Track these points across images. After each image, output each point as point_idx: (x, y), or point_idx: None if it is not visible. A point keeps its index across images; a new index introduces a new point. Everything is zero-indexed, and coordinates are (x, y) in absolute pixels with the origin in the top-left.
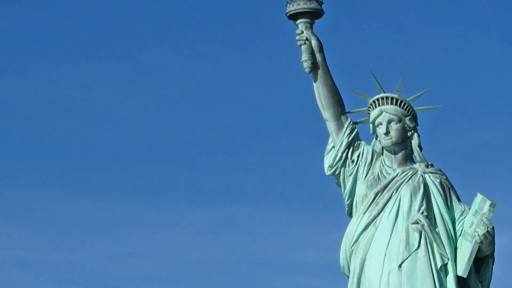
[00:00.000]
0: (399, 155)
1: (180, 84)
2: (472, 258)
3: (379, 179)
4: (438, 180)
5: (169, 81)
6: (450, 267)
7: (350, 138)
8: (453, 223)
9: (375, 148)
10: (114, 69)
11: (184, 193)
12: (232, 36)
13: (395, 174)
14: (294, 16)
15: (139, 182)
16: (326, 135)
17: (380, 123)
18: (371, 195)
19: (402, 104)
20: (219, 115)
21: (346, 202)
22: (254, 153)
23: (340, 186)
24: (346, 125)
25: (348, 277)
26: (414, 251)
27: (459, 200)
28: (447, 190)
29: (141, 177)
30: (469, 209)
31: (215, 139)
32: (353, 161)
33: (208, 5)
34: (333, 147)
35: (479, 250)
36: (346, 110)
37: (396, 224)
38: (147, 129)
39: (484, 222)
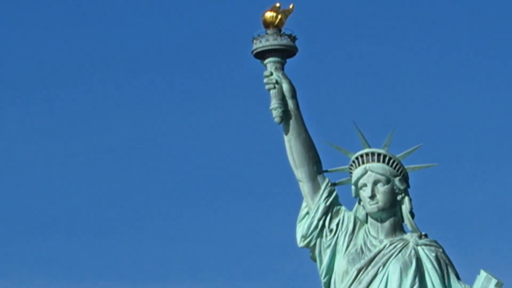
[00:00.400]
0: (387, 223)
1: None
2: None
3: (362, 252)
4: (434, 254)
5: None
6: None
7: (327, 203)
8: None
9: (357, 214)
10: None
11: None
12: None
13: (382, 246)
14: (261, 55)
15: None
16: (298, 198)
17: (365, 185)
18: (353, 272)
19: (391, 161)
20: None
21: (323, 280)
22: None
23: (315, 260)
24: (323, 187)
25: None
26: None
27: (458, 278)
28: (444, 266)
29: None
30: None
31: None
32: (331, 231)
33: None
34: (308, 213)
35: None
36: (324, 169)
37: None
38: None
39: None
